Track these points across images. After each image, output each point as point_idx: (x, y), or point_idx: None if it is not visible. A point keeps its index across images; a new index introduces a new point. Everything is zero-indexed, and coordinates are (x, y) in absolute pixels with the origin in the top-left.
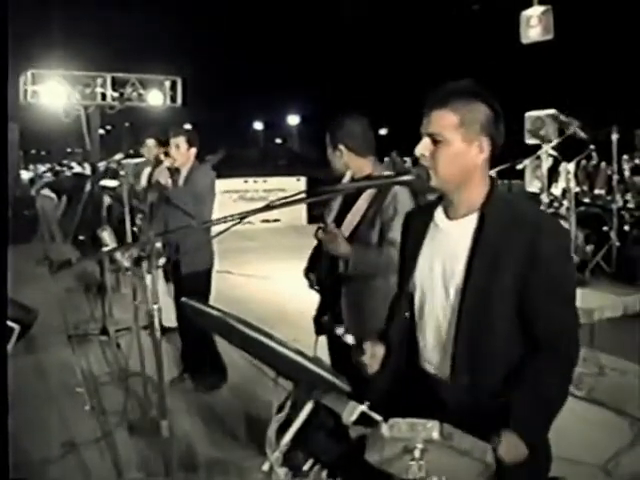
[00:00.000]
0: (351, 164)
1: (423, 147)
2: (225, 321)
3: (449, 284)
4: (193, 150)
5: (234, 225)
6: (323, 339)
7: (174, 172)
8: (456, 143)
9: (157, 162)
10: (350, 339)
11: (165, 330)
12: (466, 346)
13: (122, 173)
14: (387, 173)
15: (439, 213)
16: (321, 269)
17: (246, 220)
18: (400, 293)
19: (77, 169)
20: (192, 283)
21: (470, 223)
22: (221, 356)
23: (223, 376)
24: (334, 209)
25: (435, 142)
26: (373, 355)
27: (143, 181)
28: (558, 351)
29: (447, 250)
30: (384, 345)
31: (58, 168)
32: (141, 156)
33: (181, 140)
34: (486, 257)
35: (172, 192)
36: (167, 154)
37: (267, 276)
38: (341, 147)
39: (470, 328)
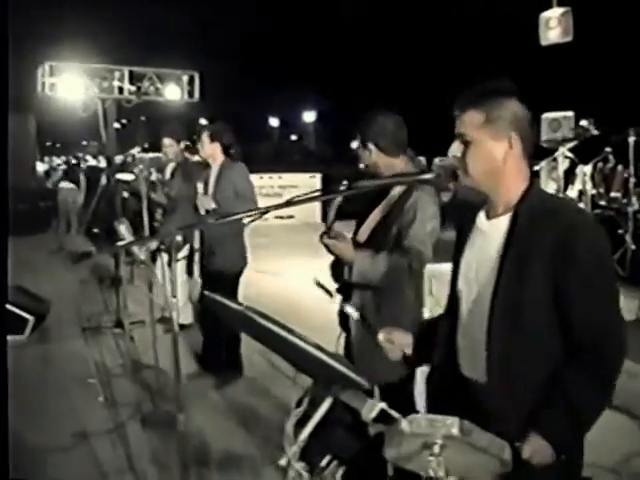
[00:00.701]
0: (380, 163)
1: (455, 148)
2: (247, 315)
3: (482, 285)
4: (217, 144)
5: (254, 220)
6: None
7: (204, 167)
8: (484, 141)
9: (206, 164)
10: (350, 309)
11: (181, 327)
12: (499, 349)
13: (140, 167)
14: (408, 171)
15: (481, 214)
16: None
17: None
18: (451, 296)
19: (92, 162)
20: (219, 283)
21: (504, 222)
22: (240, 355)
23: (239, 372)
24: (332, 211)
25: (465, 142)
26: (389, 340)
27: (167, 175)
28: (597, 355)
29: (482, 250)
30: (411, 335)
31: (74, 161)
32: (157, 150)
33: (204, 135)
34: (517, 258)
35: (222, 206)
36: (188, 150)
37: (281, 273)
38: (370, 146)
39: (502, 331)
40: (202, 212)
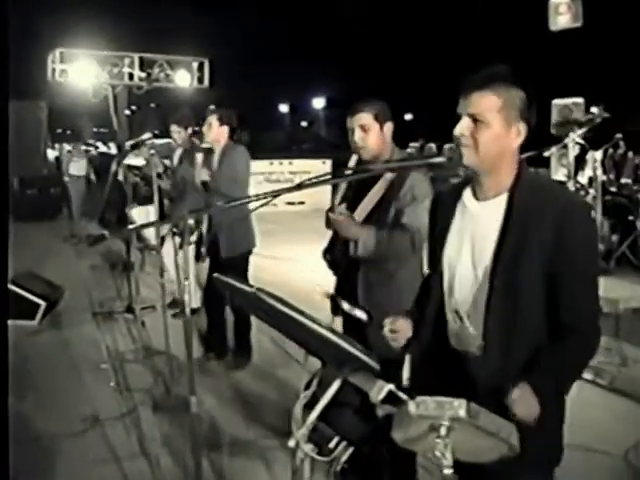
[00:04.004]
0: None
1: (464, 127)
2: (258, 297)
3: (478, 264)
4: (225, 128)
5: (265, 204)
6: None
7: (207, 153)
8: (497, 125)
9: (207, 151)
10: (359, 313)
11: (191, 311)
12: (496, 326)
13: (151, 152)
14: (417, 155)
15: (467, 194)
16: (337, 250)
17: (270, 202)
18: (431, 273)
19: (102, 148)
20: (230, 265)
21: (499, 204)
22: (250, 340)
23: (248, 357)
24: (341, 190)
25: (476, 122)
26: (394, 330)
27: (175, 161)
28: (578, 334)
29: (476, 231)
30: (410, 320)
31: (84, 147)
32: (168, 137)
33: (213, 118)
34: (515, 238)
35: (212, 182)
36: (194, 135)
37: (293, 258)
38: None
39: (499, 308)
40: (197, 182)
